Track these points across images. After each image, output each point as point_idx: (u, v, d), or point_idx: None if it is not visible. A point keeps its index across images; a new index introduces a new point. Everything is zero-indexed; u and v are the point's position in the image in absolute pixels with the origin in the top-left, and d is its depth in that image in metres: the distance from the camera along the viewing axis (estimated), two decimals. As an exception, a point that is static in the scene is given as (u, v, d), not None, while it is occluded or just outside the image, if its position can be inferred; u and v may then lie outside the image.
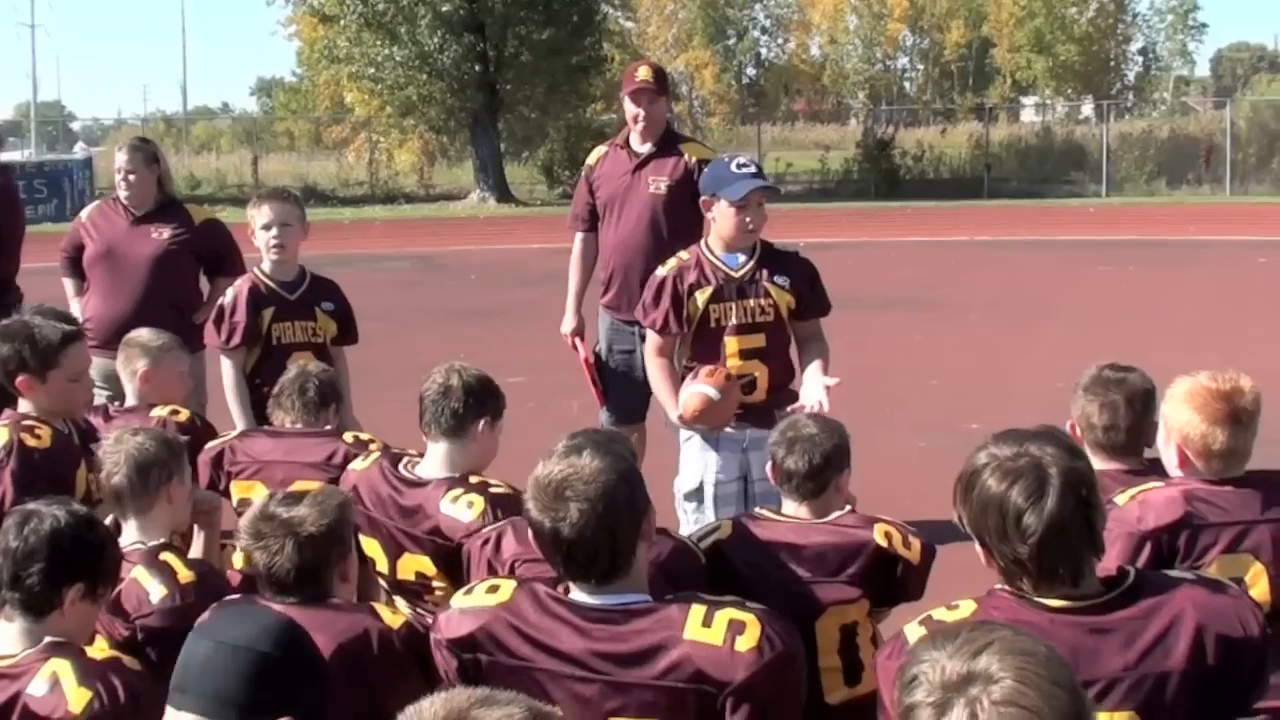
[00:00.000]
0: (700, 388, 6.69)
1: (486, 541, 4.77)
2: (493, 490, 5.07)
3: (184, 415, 6.44)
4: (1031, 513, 3.20)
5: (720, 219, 6.87)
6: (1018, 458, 3.26)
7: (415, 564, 5.21)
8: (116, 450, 4.88)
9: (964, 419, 12.26)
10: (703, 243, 7.01)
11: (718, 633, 3.52)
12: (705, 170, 7.38)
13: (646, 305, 7.05)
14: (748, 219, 6.80)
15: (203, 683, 2.79)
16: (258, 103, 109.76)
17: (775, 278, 6.89)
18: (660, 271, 7.05)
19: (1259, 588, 4.25)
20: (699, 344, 6.96)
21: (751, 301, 6.88)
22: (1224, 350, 9.10)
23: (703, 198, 7.02)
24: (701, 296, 6.87)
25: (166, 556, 4.64)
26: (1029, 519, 3.20)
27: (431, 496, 5.17)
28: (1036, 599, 3.29)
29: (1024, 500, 3.21)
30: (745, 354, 6.90)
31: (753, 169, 6.93)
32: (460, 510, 5.05)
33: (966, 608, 3.34)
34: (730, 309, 6.87)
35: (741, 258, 6.90)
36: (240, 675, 2.70)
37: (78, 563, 3.91)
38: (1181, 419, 4.45)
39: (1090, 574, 3.34)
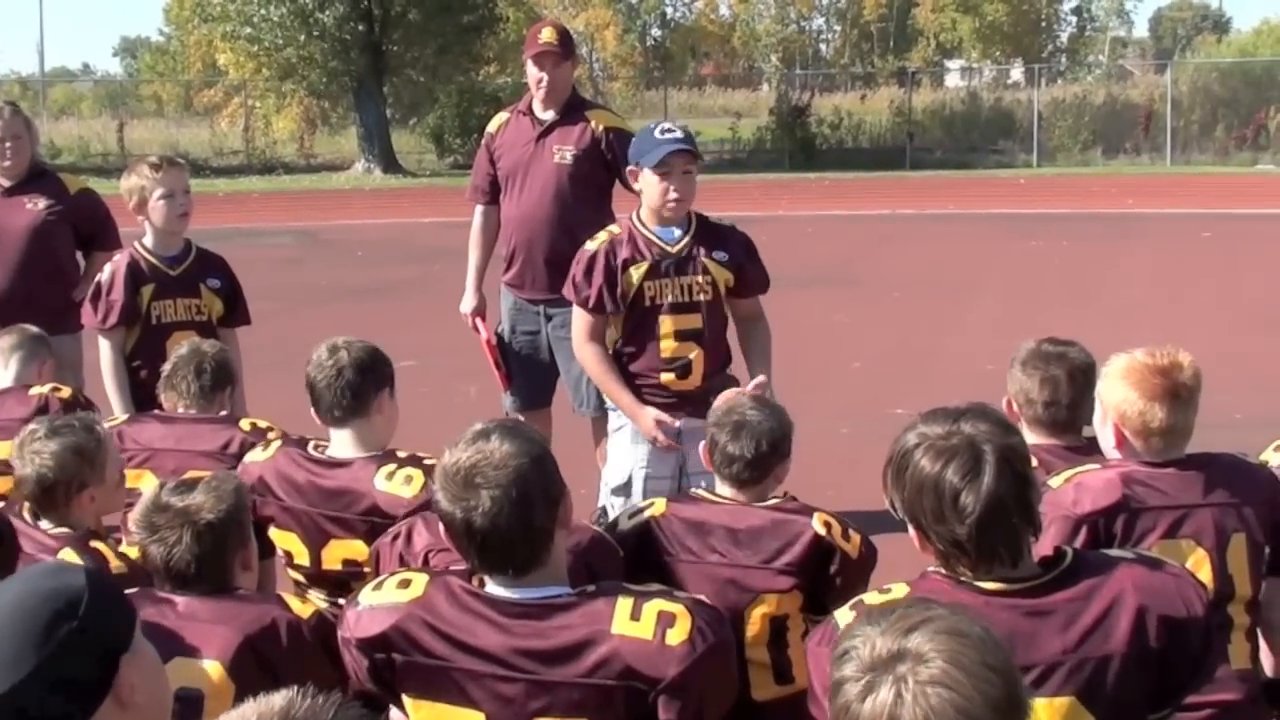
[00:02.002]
0: None
1: (396, 537, 4.81)
2: (427, 463, 5.10)
3: (66, 393, 6.49)
4: (969, 491, 3.27)
5: (646, 189, 6.89)
6: (950, 436, 3.34)
7: (344, 550, 5.25)
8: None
9: (888, 403, 12.40)
10: (634, 216, 7.02)
11: (647, 626, 3.54)
12: (633, 140, 7.32)
13: (576, 282, 6.99)
14: (671, 188, 6.79)
15: None
16: (122, 64, 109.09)
17: (714, 253, 6.90)
18: (590, 246, 7.02)
19: (1202, 574, 4.26)
20: (631, 324, 6.96)
21: (689, 279, 6.88)
22: (1164, 331, 9.21)
23: (629, 168, 7.07)
24: (636, 273, 6.87)
25: (97, 544, 4.72)
26: (966, 498, 3.27)
27: (361, 476, 5.22)
28: (972, 582, 3.37)
29: (960, 479, 3.28)
30: (680, 335, 6.89)
31: (678, 134, 6.90)
32: (399, 486, 5.13)
33: (899, 591, 3.40)
34: (666, 286, 6.87)
35: (677, 232, 6.91)
36: None
37: None
38: (1118, 397, 4.52)
39: (1028, 554, 3.42)
